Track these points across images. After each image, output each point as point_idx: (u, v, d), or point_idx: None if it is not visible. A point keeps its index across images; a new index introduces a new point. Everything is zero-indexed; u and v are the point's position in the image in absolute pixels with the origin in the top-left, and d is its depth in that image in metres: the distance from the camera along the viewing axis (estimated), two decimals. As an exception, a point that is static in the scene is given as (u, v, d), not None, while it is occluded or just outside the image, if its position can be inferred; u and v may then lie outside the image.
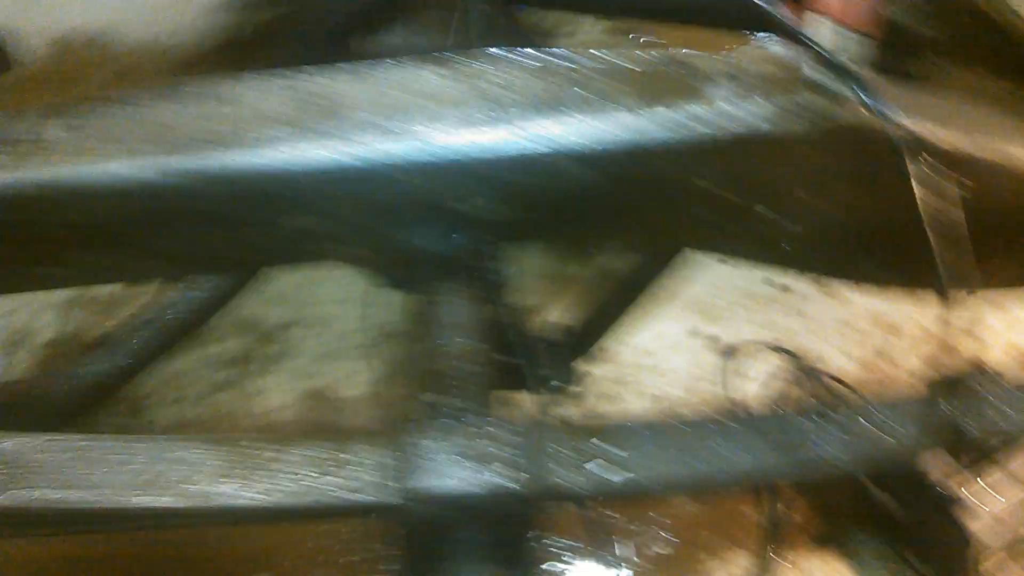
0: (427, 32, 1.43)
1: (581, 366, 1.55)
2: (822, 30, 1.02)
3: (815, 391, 1.30)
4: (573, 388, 1.54)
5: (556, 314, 1.71)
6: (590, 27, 2.12)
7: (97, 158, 0.89)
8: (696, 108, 0.94)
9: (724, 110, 0.94)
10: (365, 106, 0.94)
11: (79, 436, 0.94)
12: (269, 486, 0.94)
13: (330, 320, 1.92)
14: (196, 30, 1.96)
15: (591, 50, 0.95)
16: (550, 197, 1.00)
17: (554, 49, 0.96)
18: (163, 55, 2.00)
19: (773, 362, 1.77)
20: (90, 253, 1.02)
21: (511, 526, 1.02)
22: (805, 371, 1.38)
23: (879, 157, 0.99)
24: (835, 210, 1.09)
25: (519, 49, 0.97)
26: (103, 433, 0.96)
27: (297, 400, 1.87)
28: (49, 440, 0.93)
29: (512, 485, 0.94)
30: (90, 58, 1.97)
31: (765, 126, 0.95)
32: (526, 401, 1.49)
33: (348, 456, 0.96)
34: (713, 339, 1.87)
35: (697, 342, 1.88)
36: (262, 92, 0.95)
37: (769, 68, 0.99)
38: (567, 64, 0.96)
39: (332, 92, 0.95)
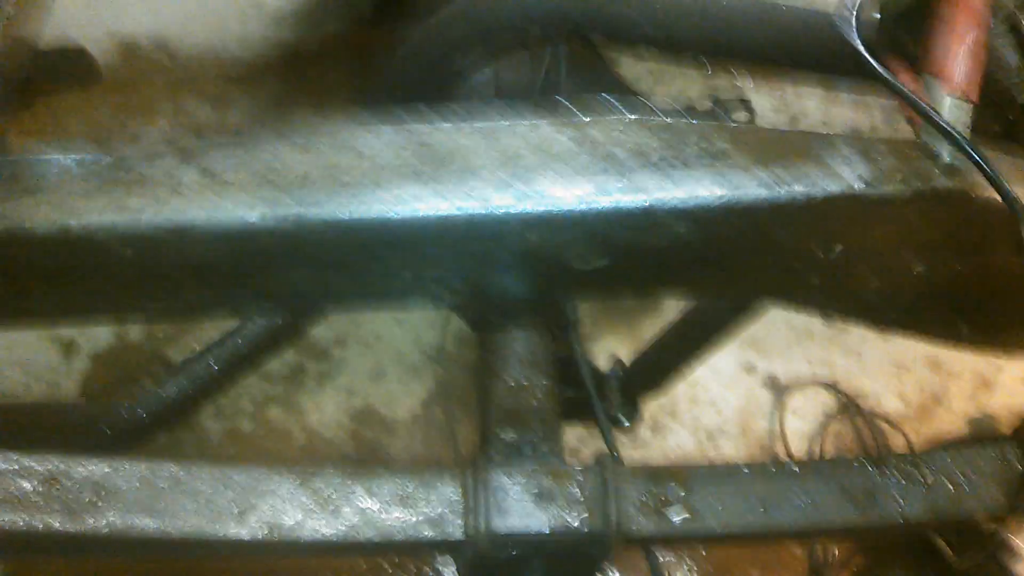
0: (513, 69, 1.43)
1: (644, 401, 1.56)
2: (937, 94, 1.02)
3: (872, 436, 1.30)
4: (638, 423, 1.55)
5: (619, 349, 1.71)
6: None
7: (231, 204, 0.89)
8: (818, 176, 0.94)
9: (845, 178, 0.95)
10: (484, 159, 0.94)
11: (149, 462, 0.95)
12: (347, 519, 0.94)
13: (382, 338, 1.93)
14: (262, 40, 1.96)
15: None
16: (657, 255, 1.01)
17: (673, 110, 0.97)
18: (227, 64, 2.00)
19: (826, 402, 1.78)
20: (191, 291, 1.03)
21: (576, 565, 1.03)
22: (861, 415, 1.39)
23: (983, 222, 1.00)
24: (931, 272, 1.09)
25: (637, 100, 0.98)
26: (170, 459, 0.95)
27: (347, 418, 1.87)
28: (120, 466, 0.94)
29: (581, 527, 0.95)
30: (156, 65, 1.97)
31: (876, 190, 0.96)
32: (592, 437, 1.51)
33: (425, 492, 0.97)
34: (767, 374, 1.87)
35: (751, 378, 1.88)
36: (385, 141, 0.95)
37: (894, 142, 1.00)
38: (688, 124, 0.97)
39: (451, 143, 0.95)
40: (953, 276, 1.08)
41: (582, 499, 0.97)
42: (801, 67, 1.34)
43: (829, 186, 0.94)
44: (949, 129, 0.96)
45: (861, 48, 0.99)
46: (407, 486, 0.96)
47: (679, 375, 1.56)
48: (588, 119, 0.98)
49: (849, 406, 1.81)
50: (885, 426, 1.79)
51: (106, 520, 0.91)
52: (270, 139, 0.95)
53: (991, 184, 0.95)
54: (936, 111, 0.98)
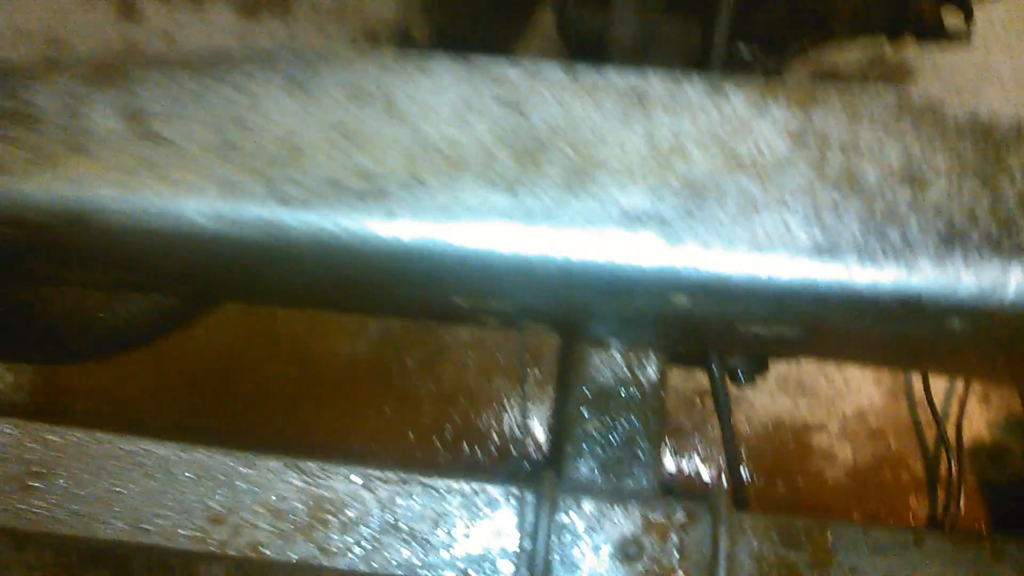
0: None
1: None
2: None
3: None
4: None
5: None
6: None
7: (169, 188, 0.50)
8: None
9: None
10: (613, 149, 0.52)
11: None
12: (357, 546, 0.72)
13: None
14: None
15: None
16: (888, 340, 0.60)
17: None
18: None
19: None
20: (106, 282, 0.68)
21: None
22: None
23: None
24: None
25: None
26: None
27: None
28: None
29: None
30: None
31: None
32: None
33: (470, 515, 0.73)
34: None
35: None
36: (442, 90, 0.53)
37: None
38: (1013, 127, 0.51)
39: (558, 113, 0.53)
40: None
41: (679, 560, 0.72)
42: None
43: None
44: None
45: None
46: (448, 503, 0.72)
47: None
48: (817, 90, 0.52)
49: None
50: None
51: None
52: (249, 69, 0.53)
53: None
54: None
